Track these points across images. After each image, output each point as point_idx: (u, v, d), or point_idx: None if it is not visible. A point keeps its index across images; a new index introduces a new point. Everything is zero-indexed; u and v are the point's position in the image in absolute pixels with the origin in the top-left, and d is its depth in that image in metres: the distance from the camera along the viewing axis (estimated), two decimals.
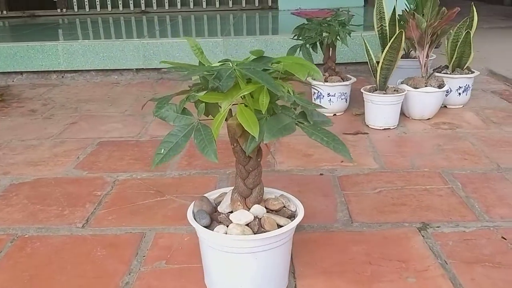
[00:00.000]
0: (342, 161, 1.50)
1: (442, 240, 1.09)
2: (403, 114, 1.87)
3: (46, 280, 0.99)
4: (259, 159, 0.87)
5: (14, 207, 1.28)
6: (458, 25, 1.93)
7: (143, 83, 2.57)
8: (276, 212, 0.90)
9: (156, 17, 3.96)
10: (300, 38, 1.90)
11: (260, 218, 0.87)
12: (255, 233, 0.83)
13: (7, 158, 1.60)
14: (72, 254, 1.07)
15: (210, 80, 0.73)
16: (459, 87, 1.95)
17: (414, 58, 2.13)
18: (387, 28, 1.74)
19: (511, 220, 1.16)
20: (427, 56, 1.83)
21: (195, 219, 0.87)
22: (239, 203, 0.89)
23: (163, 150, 0.79)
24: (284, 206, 0.91)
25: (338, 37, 1.81)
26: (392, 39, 1.63)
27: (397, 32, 1.65)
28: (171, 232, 1.15)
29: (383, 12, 1.76)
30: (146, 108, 2.11)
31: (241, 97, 0.77)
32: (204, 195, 0.95)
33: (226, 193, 0.96)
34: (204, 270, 0.94)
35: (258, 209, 0.87)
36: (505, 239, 1.08)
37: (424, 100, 1.81)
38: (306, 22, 1.94)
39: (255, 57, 0.83)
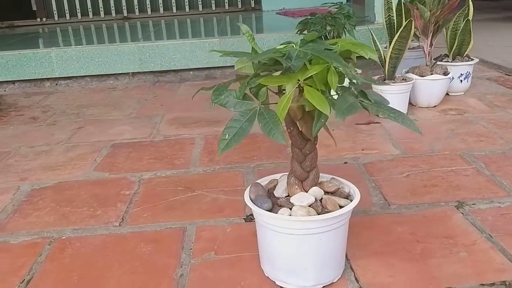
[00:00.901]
0: (363, 150, 1.52)
1: (481, 216, 1.11)
2: (409, 103, 1.91)
3: (96, 279, 0.97)
4: (315, 142, 0.88)
5: (43, 211, 1.25)
6: (457, 14, 1.98)
7: (141, 87, 2.55)
8: (332, 194, 0.91)
9: (139, 22, 3.92)
10: (304, 32, 1.92)
11: (321, 199, 0.87)
12: (319, 214, 0.84)
13: (21, 164, 1.57)
14: (116, 252, 1.06)
15: (282, 60, 0.74)
16: (461, 74, 2.00)
17: (413, 48, 2.17)
18: (395, 18, 1.77)
19: None
20: (431, 45, 1.87)
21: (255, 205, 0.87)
22: (296, 186, 0.89)
23: (227, 135, 0.78)
24: (338, 188, 0.92)
25: (344, 29, 1.84)
26: (402, 28, 1.66)
27: (405, 21, 1.69)
28: (211, 224, 1.14)
29: (391, 2, 1.79)
30: (153, 109, 2.10)
31: (298, 79, 0.77)
32: (257, 181, 0.95)
33: (277, 179, 0.96)
34: (262, 256, 0.93)
35: (316, 191, 0.88)
36: None
37: (431, 88, 1.85)
38: (309, 17, 1.96)
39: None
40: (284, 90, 0.88)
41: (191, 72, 2.63)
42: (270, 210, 0.86)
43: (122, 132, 1.83)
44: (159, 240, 1.09)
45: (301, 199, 0.86)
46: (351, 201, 0.88)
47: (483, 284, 0.89)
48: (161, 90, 2.46)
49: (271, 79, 0.78)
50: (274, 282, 0.91)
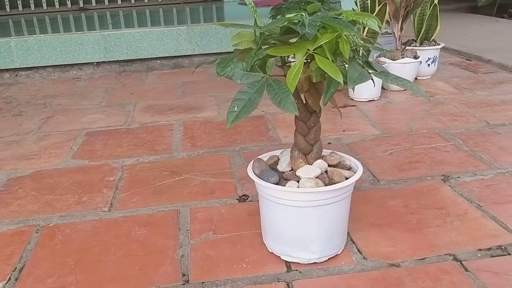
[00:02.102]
0: (344, 131, 1.54)
1: (468, 188, 1.15)
2: (382, 88, 1.95)
3: (94, 263, 0.93)
4: (319, 115, 0.88)
5: (24, 200, 1.19)
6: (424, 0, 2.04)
7: (106, 77, 2.48)
8: (335, 167, 0.91)
9: (96, 13, 3.81)
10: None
11: (326, 172, 0.88)
12: (326, 185, 0.84)
13: None
14: (110, 236, 1.02)
15: (297, 27, 0.73)
16: (428, 58, 2.07)
17: (382, 35, 2.21)
18: (369, 2, 1.80)
19: None
20: (401, 29, 1.92)
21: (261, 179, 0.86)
22: (300, 160, 0.89)
23: (236, 107, 0.77)
24: (340, 161, 0.93)
25: None
26: (377, 11, 1.69)
27: (378, 6, 1.72)
28: (205, 206, 1.13)
29: None
30: (124, 98, 2.04)
31: (308, 49, 0.77)
32: (258, 157, 0.95)
33: (277, 155, 0.96)
34: (265, 232, 0.93)
35: (321, 164, 0.88)
36: None
37: (403, 71, 1.89)
38: (283, 2, 1.96)
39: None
40: (288, 62, 0.88)
41: (158, 61, 2.58)
42: (276, 184, 0.85)
43: (95, 120, 1.77)
44: (154, 223, 1.07)
45: (308, 171, 0.86)
46: (355, 173, 0.89)
47: (481, 249, 0.92)
48: (128, 79, 2.40)
49: (280, 49, 0.78)
50: (279, 257, 0.91)
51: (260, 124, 1.64)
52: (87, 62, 2.51)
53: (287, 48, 0.78)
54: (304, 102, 0.87)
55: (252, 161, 0.92)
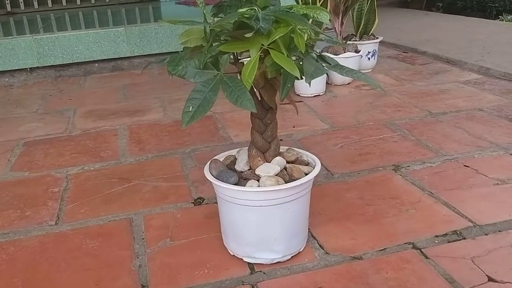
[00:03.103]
0: (294, 127, 1.54)
1: (418, 176, 1.18)
2: (326, 82, 1.97)
3: (44, 281, 0.87)
4: (275, 111, 0.87)
5: None
6: None
7: (42, 83, 2.35)
8: (293, 163, 0.90)
9: (25, 17, 3.62)
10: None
11: (286, 168, 0.86)
12: (287, 182, 0.83)
13: None
14: (59, 251, 0.96)
15: (251, 22, 0.71)
16: (368, 52, 2.11)
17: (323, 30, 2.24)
18: None
19: (463, 151, 1.30)
20: (342, 24, 1.95)
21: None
22: (259, 158, 0.87)
23: (191, 107, 0.74)
24: (297, 157, 0.92)
25: None
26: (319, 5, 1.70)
27: (319, 2, 1.73)
28: (159, 212, 1.08)
29: None
30: (62, 104, 1.95)
31: (262, 44, 0.76)
32: (214, 158, 0.92)
33: (233, 155, 0.94)
34: (226, 234, 0.90)
35: (280, 161, 0.87)
36: (468, 166, 1.21)
37: (346, 65, 1.91)
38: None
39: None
40: (240, 59, 0.85)
41: (96, 64, 2.48)
42: (236, 185, 0.83)
43: (33, 129, 1.67)
44: (105, 233, 1.02)
45: (267, 169, 0.84)
46: (313, 168, 0.88)
47: (437, 236, 0.94)
48: (65, 85, 2.29)
49: (234, 45, 0.75)
50: (242, 259, 0.89)
51: (209, 124, 1.61)
52: (20, 68, 2.37)
53: (240, 43, 0.76)
54: (260, 99, 0.85)
55: (209, 162, 0.89)
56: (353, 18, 2.13)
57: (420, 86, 1.90)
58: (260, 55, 0.77)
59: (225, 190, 0.83)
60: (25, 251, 0.97)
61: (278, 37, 0.73)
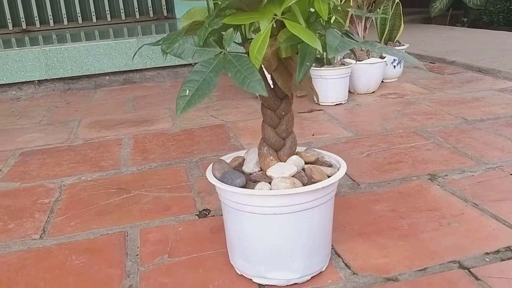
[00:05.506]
0: (313, 135, 1.40)
1: (458, 186, 1.02)
2: (349, 91, 1.82)
3: None
4: (291, 101, 0.73)
5: None
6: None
7: (50, 95, 2.26)
8: (312, 164, 0.75)
9: (41, 35, 3.58)
10: None
11: (304, 169, 0.72)
12: (305, 185, 0.68)
13: None
14: (40, 269, 0.82)
15: None
16: (394, 59, 1.97)
17: None
18: None
19: (508, 159, 1.13)
20: (365, 29, 1.81)
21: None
22: (271, 157, 0.73)
23: (187, 91, 0.60)
24: (318, 158, 0.77)
25: None
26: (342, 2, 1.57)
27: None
28: (158, 225, 0.94)
29: None
30: (67, 115, 1.84)
31: (275, 14, 0.62)
32: (220, 158, 0.78)
33: (241, 156, 0.80)
34: (232, 250, 0.75)
35: (296, 161, 0.72)
36: None
37: (370, 72, 1.78)
38: None
39: None
40: (250, 39, 0.72)
41: (107, 77, 2.38)
42: (243, 188, 0.69)
43: (33, 139, 1.56)
44: (95, 249, 0.87)
45: (281, 170, 0.69)
46: (337, 170, 0.73)
47: (488, 253, 0.77)
48: (74, 97, 2.19)
49: (240, 16, 0.62)
50: (251, 280, 0.74)
51: (220, 133, 1.47)
52: (27, 80, 2.29)
53: (248, 15, 0.62)
54: (272, 86, 0.71)
55: (212, 163, 0.75)
56: (376, 23, 2.00)
57: (452, 94, 1.75)
58: (272, 28, 0.63)
59: (229, 194, 0.68)
60: (1, 269, 0.83)
61: (293, 2, 0.59)
